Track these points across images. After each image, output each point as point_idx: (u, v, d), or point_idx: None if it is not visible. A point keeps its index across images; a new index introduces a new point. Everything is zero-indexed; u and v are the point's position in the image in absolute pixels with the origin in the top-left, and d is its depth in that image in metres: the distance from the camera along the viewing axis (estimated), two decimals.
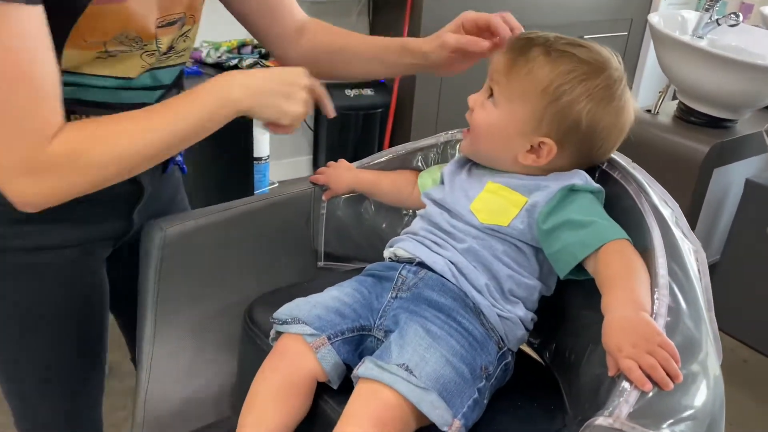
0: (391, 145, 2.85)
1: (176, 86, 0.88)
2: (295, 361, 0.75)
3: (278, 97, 0.78)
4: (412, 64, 0.96)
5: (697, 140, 1.98)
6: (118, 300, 0.97)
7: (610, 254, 0.72)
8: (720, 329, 2.16)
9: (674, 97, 2.17)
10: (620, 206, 0.80)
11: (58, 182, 0.67)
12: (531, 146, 0.81)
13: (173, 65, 0.84)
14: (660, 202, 0.78)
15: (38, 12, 0.62)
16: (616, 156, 0.86)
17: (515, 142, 0.81)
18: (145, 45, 0.76)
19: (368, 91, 2.74)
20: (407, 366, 0.69)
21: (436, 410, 0.68)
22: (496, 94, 0.82)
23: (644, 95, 3.49)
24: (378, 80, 2.83)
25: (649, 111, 2.16)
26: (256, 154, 1.89)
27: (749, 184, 2.00)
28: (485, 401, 0.74)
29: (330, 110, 0.88)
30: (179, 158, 0.99)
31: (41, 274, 0.83)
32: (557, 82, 0.78)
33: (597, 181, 0.83)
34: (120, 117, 0.71)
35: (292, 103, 0.79)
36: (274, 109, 0.78)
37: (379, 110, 2.76)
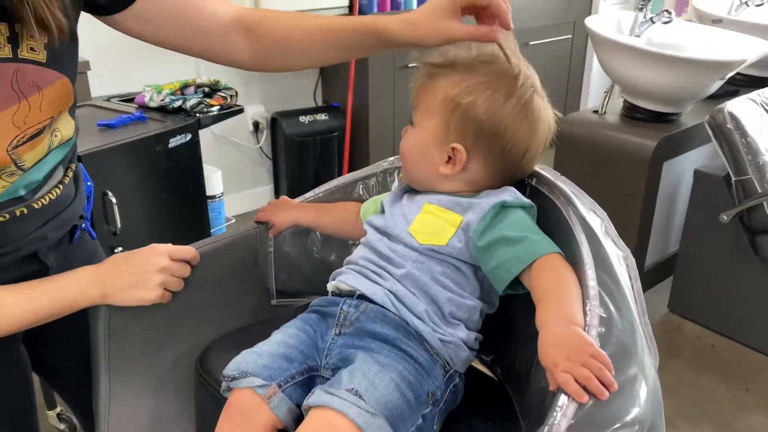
0: (351, 168, 2.87)
1: (64, 162, 0.83)
2: (250, 416, 0.76)
3: (129, 287, 0.85)
4: (375, 46, 0.86)
5: (644, 136, 2.03)
6: (55, 373, 0.94)
7: (543, 269, 0.74)
8: (685, 317, 2.21)
9: (621, 96, 2.23)
10: (551, 220, 0.82)
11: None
12: (448, 157, 0.84)
13: (44, 158, 0.77)
14: (588, 212, 0.80)
15: None
16: (544, 171, 0.89)
17: (434, 155, 0.84)
18: (1, 170, 0.71)
19: (322, 116, 2.76)
20: (356, 391, 0.70)
21: None
22: (414, 120, 0.87)
23: (593, 96, 3.57)
24: (331, 104, 2.85)
25: (596, 111, 2.22)
26: (209, 193, 1.89)
27: (698, 174, 2.05)
28: (434, 427, 0.75)
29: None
30: (85, 224, 0.94)
31: None
32: (458, 91, 0.82)
33: (528, 197, 0.85)
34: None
35: (143, 289, 0.85)
36: (129, 297, 0.85)
37: (335, 134, 2.78)
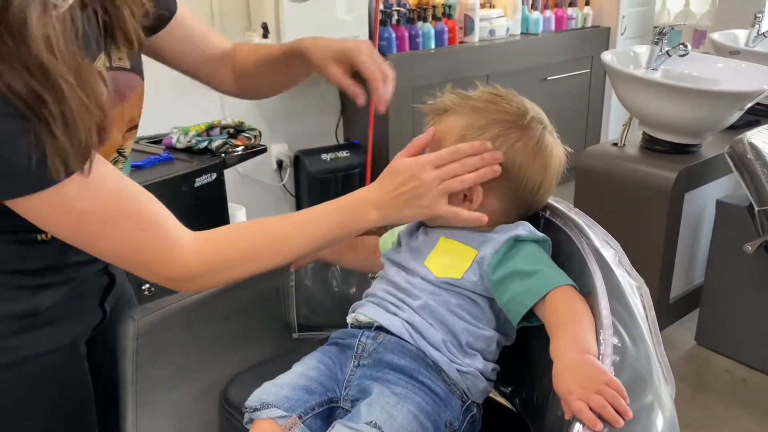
0: None
1: None
2: None
3: (408, 205, 0.83)
4: (305, 70, 0.99)
5: (665, 167, 2.03)
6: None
7: (556, 301, 0.75)
8: (713, 350, 2.17)
9: (640, 129, 2.24)
10: (565, 252, 0.84)
11: (204, 284, 0.79)
12: (465, 195, 0.85)
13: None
14: (601, 243, 0.82)
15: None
16: (557, 203, 0.90)
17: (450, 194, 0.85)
18: (110, 159, 0.80)
19: (344, 153, 2.82)
20: (376, 423, 0.72)
21: None
22: None
23: (613, 129, 3.58)
24: (352, 142, 2.91)
25: (615, 144, 2.23)
26: None
27: (720, 205, 2.04)
28: None
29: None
30: None
31: (30, 383, 0.81)
32: (468, 130, 0.85)
33: (542, 230, 0.87)
34: (255, 231, 0.81)
35: (424, 203, 0.82)
36: (411, 216, 0.85)
37: (357, 170, 2.83)
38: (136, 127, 0.85)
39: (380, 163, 2.82)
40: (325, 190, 2.80)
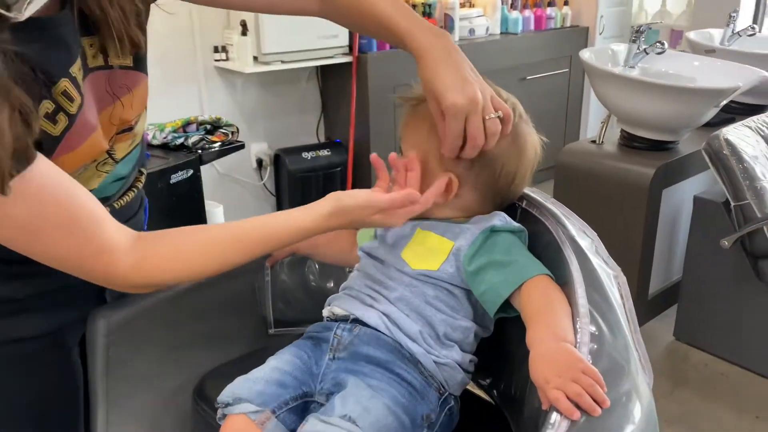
0: None
1: (137, 163, 0.90)
2: None
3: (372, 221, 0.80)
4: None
5: (643, 164, 2.04)
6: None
7: (532, 290, 0.75)
8: (692, 345, 2.18)
9: (618, 126, 2.25)
10: (542, 242, 0.83)
11: (146, 290, 0.76)
12: None
13: (129, 153, 0.85)
14: (578, 232, 0.81)
15: (45, 159, 0.65)
16: (534, 193, 0.90)
17: (425, 184, 0.84)
18: (96, 161, 0.78)
19: (325, 152, 2.80)
20: (350, 417, 0.70)
21: None
22: (403, 150, 0.88)
23: (592, 127, 3.61)
24: (333, 140, 2.89)
25: (594, 141, 2.24)
26: None
27: (698, 201, 2.06)
28: None
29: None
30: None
31: (12, 366, 0.82)
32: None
33: (518, 220, 0.86)
34: (203, 241, 0.76)
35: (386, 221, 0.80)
36: (371, 226, 0.82)
37: (338, 169, 2.81)
38: (131, 128, 0.82)
39: (362, 161, 2.83)
40: (306, 188, 2.78)
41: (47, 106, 0.67)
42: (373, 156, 0.86)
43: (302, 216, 0.77)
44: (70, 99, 0.70)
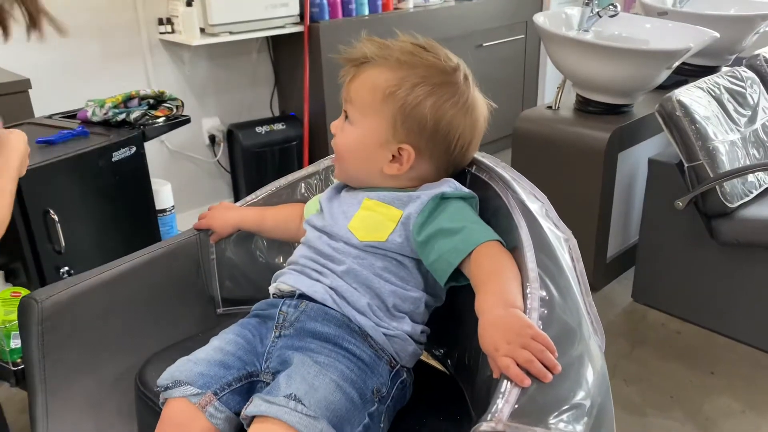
0: None
1: None
2: (185, 427, 0.72)
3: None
4: None
5: (598, 128, 2.04)
6: None
7: (481, 257, 0.72)
8: (649, 305, 2.20)
9: (573, 91, 2.25)
10: (491, 208, 0.81)
11: None
12: (393, 156, 0.81)
13: None
14: (527, 196, 0.79)
15: None
16: (484, 158, 0.87)
17: (377, 154, 0.81)
18: None
19: (280, 126, 2.73)
20: (295, 395, 0.68)
21: None
22: (350, 115, 0.83)
23: (549, 93, 3.60)
24: (288, 114, 2.82)
25: (550, 107, 2.23)
26: (158, 206, 1.84)
27: (652, 163, 2.07)
28: (381, 425, 0.73)
29: None
30: None
31: None
32: (398, 87, 0.79)
33: (468, 186, 0.84)
34: None
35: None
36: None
37: (294, 143, 2.75)
38: None
39: (318, 134, 2.77)
40: (261, 164, 2.71)
41: None
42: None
43: None
44: None
